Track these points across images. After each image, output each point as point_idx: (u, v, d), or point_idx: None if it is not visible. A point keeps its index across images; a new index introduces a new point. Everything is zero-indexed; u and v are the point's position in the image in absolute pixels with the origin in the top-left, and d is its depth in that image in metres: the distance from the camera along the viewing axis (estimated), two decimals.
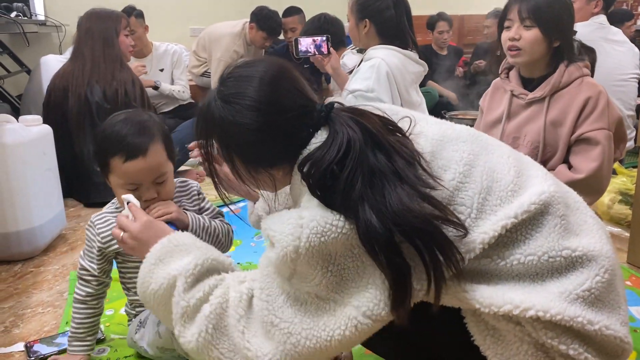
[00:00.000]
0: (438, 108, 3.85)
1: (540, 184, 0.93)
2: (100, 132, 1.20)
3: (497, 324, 0.88)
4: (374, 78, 2.21)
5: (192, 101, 3.84)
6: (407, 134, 0.93)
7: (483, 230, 0.88)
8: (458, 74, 4.45)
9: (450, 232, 0.85)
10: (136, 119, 1.20)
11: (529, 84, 1.72)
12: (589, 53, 1.71)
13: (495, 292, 0.87)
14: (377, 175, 0.85)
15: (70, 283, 1.75)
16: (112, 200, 1.31)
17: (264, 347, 0.90)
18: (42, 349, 1.41)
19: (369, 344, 1.00)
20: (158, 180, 1.20)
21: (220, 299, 0.94)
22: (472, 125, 1.20)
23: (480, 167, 0.93)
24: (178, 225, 1.17)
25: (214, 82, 3.88)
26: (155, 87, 3.49)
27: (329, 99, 0.97)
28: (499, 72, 1.82)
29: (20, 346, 1.45)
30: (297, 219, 0.86)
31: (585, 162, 1.59)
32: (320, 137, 0.90)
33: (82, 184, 2.58)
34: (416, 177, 0.86)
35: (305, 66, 4.07)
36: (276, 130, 0.91)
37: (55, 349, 1.41)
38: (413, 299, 0.86)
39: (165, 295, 0.98)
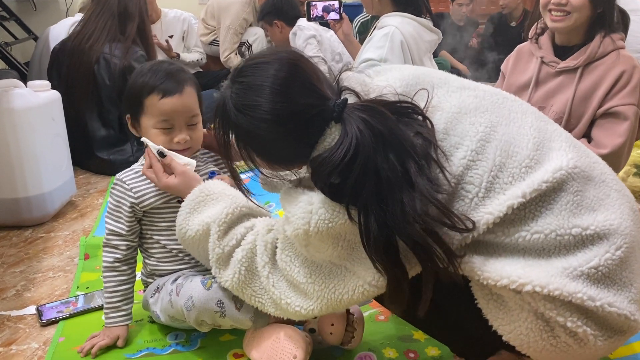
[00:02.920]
0: None
1: (559, 158, 0.91)
2: (134, 77, 1.24)
3: (499, 291, 0.89)
4: (387, 47, 2.15)
5: (200, 69, 3.80)
6: (425, 109, 0.91)
7: (489, 211, 0.88)
8: (472, 45, 4.37)
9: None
10: (169, 66, 1.25)
11: (561, 51, 1.67)
12: (622, 17, 1.65)
13: (495, 265, 0.88)
14: (385, 183, 0.84)
15: (80, 249, 1.75)
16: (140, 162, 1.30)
17: (288, 294, 1.02)
18: (53, 312, 1.42)
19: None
20: (191, 122, 1.23)
21: (251, 244, 1.05)
22: None
23: (496, 141, 0.91)
24: (212, 149, 1.25)
25: (222, 50, 3.83)
26: (176, 58, 3.48)
27: (344, 78, 0.94)
28: (529, 37, 1.76)
29: (32, 309, 1.46)
30: (307, 204, 0.91)
31: (611, 137, 1.55)
32: (332, 135, 0.89)
33: (85, 155, 2.55)
34: (429, 182, 0.85)
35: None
36: (292, 135, 0.91)
37: (67, 312, 1.41)
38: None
39: (201, 241, 1.11)
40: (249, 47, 3.89)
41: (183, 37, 3.64)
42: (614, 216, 0.90)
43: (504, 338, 0.92)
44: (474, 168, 0.89)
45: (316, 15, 2.28)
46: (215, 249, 1.07)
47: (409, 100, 0.92)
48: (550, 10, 1.61)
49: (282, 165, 0.98)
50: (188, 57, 3.56)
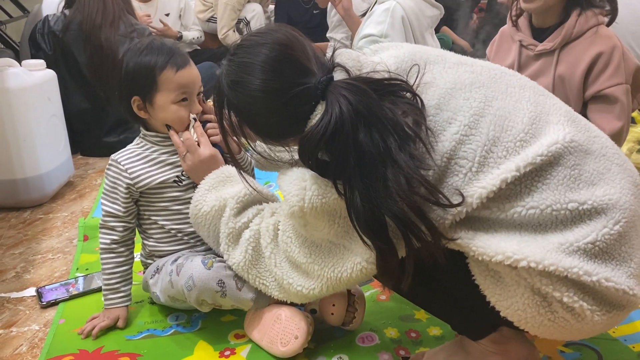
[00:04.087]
0: None
1: (556, 132, 0.90)
2: (132, 58, 1.20)
3: (495, 267, 0.89)
4: (388, 22, 2.12)
5: (198, 47, 3.75)
6: (415, 86, 0.91)
7: (482, 185, 0.87)
8: (473, 21, 4.30)
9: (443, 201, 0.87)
10: (165, 42, 1.24)
11: (540, 33, 1.61)
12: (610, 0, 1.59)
13: (490, 241, 0.88)
14: (368, 157, 0.85)
15: (79, 230, 1.74)
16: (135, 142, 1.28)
17: (290, 274, 1.04)
18: (53, 294, 1.41)
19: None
20: (200, 91, 1.24)
21: (257, 226, 1.09)
22: None
23: (490, 115, 0.90)
24: (223, 148, 1.21)
25: (220, 27, 3.77)
26: (179, 39, 3.43)
27: (338, 54, 0.96)
28: (508, 19, 1.71)
29: (31, 291, 1.45)
30: (301, 181, 0.93)
31: (607, 121, 1.51)
32: (318, 112, 0.89)
33: (85, 139, 2.50)
34: (410, 158, 0.85)
35: (315, 11, 3.95)
36: (279, 112, 0.92)
37: (66, 294, 1.40)
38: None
39: (215, 216, 1.14)
40: (247, 23, 3.83)
41: (180, 15, 3.58)
42: (614, 190, 0.89)
43: (501, 314, 0.92)
44: (467, 143, 0.89)
45: None
46: (229, 223, 1.11)
47: (400, 77, 0.92)
48: None
49: (274, 141, 0.99)
50: (189, 35, 3.52)
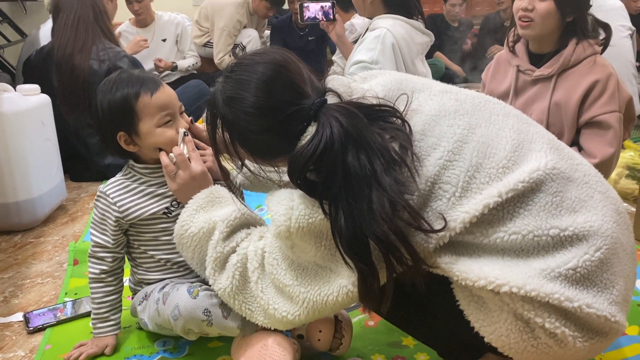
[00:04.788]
0: (444, 80, 3.77)
1: (537, 159, 0.92)
2: (105, 95, 1.19)
3: (479, 292, 0.90)
4: (378, 49, 2.15)
5: (194, 72, 3.80)
6: (403, 113, 0.94)
7: (465, 210, 0.89)
8: (466, 47, 4.36)
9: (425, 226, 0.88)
10: (133, 72, 1.22)
11: (536, 59, 1.65)
12: (605, 29, 1.63)
13: (473, 266, 0.89)
14: (354, 179, 0.87)
15: (69, 254, 1.74)
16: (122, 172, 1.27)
17: (276, 300, 1.03)
18: (41, 319, 1.40)
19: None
20: (180, 110, 1.23)
21: (244, 250, 1.07)
22: None
23: (473, 142, 0.93)
24: (212, 174, 1.19)
25: (216, 52, 3.82)
26: (174, 69, 3.47)
27: (330, 80, 0.99)
28: (505, 44, 1.75)
29: (19, 316, 1.45)
30: (289, 201, 0.94)
31: (599, 147, 1.54)
32: (308, 133, 0.92)
33: (84, 165, 2.50)
34: (395, 182, 0.87)
35: (310, 38, 4.01)
36: (272, 130, 0.94)
37: (54, 319, 1.40)
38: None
39: (203, 239, 1.10)
40: (243, 48, 3.88)
41: (176, 40, 3.63)
42: (595, 217, 0.90)
43: (485, 339, 0.92)
44: (450, 168, 0.91)
45: (308, 17, 2.28)
46: (217, 247, 1.07)
47: (389, 104, 0.95)
48: (520, 18, 1.60)
49: (264, 160, 1.00)
50: (185, 63, 3.56)
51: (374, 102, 0.95)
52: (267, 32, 4.18)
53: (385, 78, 1.04)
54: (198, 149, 1.21)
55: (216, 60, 3.83)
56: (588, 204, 0.92)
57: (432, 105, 0.97)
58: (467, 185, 0.90)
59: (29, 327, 1.37)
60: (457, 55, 4.27)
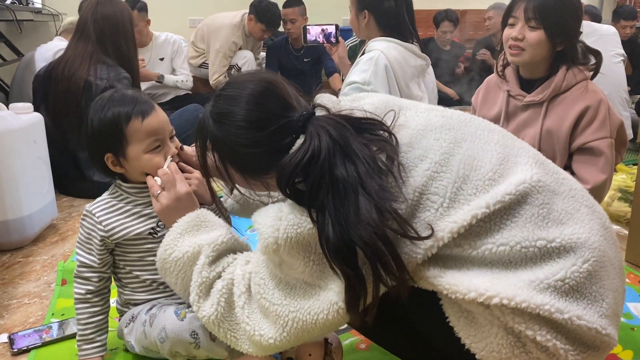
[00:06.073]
0: (438, 103, 3.81)
1: (523, 172, 0.93)
2: (96, 114, 1.17)
3: (469, 307, 0.89)
4: (371, 71, 2.17)
5: (189, 92, 3.81)
6: (391, 127, 0.96)
7: (453, 219, 0.89)
8: (459, 71, 4.41)
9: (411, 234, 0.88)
10: (127, 91, 1.20)
11: (527, 84, 1.66)
12: (595, 56, 1.65)
13: (462, 279, 0.88)
14: (341, 185, 0.87)
15: (57, 274, 1.72)
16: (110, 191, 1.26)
17: (262, 325, 0.99)
18: (26, 340, 1.38)
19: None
20: (171, 135, 1.21)
21: (230, 275, 1.04)
22: None
23: (459, 155, 0.94)
24: (198, 198, 1.18)
25: (211, 73, 3.84)
26: (159, 81, 3.48)
27: (319, 97, 1.00)
28: (495, 69, 1.76)
29: (3, 337, 1.42)
30: (277, 212, 0.93)
31: (591, 173, 1.54)
32: (298, 144, 0.93)
33: (68, 179, 2.48)
34: (381, 189, 0.87)
35: (305, 60, 4.04)
36: (262, 144, 0.94)
37: (39, 340, 1.37)
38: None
39: (187, 264, 1.07)
40: (239, 69, 3.90)
41: (172, 58, 3.65)
42: (582, 230, 0.91)
43: (477, 356, 0.91)
44: (438, 179, 0.92)
45: (310, 39, 2.30)
46: (202, 272, 1.04)
47: (376, 117, 0.96)
48: (510, 47, 1.61)
49: (254, 177, 0.99)
50: (172, 78, 3.56)
51: (361, 115, 0.97)
52: (263, 54, 4.21)
53: (373, 99, 1.06)
54: (183, 172, 1.19)
55: (211, 81, 3.85)
56: (575, 216, 0.93)
57: (419, 120, 0.99)
58: (454, 196, 0.91)
59: (12, 349, 1.35)
60: (450, 79, 4.31)
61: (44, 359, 1.32)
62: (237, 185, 1.06)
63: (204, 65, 3.99)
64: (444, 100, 3.99)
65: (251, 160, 0.97)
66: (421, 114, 1.01)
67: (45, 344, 1.37)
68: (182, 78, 3.62)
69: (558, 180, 0.97)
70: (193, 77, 4.07)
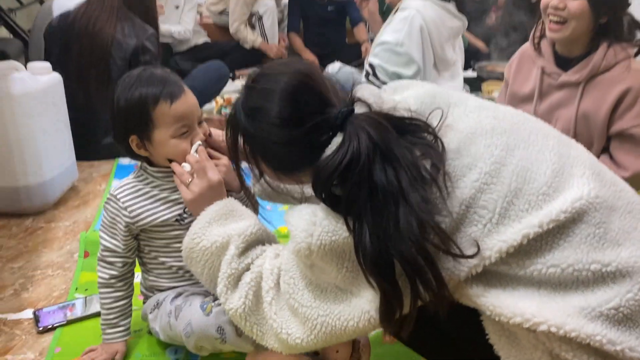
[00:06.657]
0: (467, 57, 3.62)
1: (580, 187, 0.85)
2: (123, 93, 1.11)
3: (512, 328, 0.84)
4: (405, 31, 2.05)
5: (208, 41, 3.69)
6: (437, 129, 0.88)
7: (502, 239, 0.83)
8: (490, 22, 4.18)
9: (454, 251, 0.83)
10: (156, 70, 1.15)
11: (564, 61, 1.52)
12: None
13: (507, 301, 0.83)
14: (381, 195, 0.82)
15: (80, 245, 1.70)
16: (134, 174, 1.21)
17: (289, 324, 0.95)
18: (50, 317, 1.38)
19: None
20: (200, 119, 1.16)
21: (259, 268, 1.00)
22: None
23: (512, 165, 0.86)
24: (225, 185, 1.13)
25: (231, 21, 3.70)
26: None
27: (359, 89, 0.92)
28: (531, 39, 1.62)
29: (29, 313, 1.42)
30: (311, 216, 0.88)
31: (631, 160, 1.44)
32: (334, 144, 0.86)
33: (87, 143, 2.38)
34: (423, 201, 0.81)
35: (329, 8, 3.86)
36: (297, 141, 0.90)
37: (64, 319, 1.37)
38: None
39: (215, 253, 1.03)
40: (260, 18, 3.75)
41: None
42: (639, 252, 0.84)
43: None
44: (487, 192, 0.85)
45: None
46: (232, 264, 1.01)
47: (421, 118, 0.89)
48: (549, 15, 1.47)
49: (287, 174, 0.95)
50: (170, 28, 3.36)
51: (405, 114, 0.89)
52: (285, 2, 4.03)
53: (418, 90, 0.98)
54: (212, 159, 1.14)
55: (231, 30, 3.70)
56: (632, 235, 0.86)
57: (468, 122, 0.91)
58: (504, 211, 0.84)
59: (38, 327, 1.35)
60: (481, 30, 4.10)
61: (69, 337, 1.32)
62: (266, 177, 1.01)
63: (225, 12, 3.83)
64: (473, 54, 3.80)
65: (284, 158, 0.93)
66: (470, 114, 0.92)
67: (70, 322, 1.36)
68: (179, 29, 3.42)
69: (616, 193, 0.89)
70: (213, 24, 3.94)
